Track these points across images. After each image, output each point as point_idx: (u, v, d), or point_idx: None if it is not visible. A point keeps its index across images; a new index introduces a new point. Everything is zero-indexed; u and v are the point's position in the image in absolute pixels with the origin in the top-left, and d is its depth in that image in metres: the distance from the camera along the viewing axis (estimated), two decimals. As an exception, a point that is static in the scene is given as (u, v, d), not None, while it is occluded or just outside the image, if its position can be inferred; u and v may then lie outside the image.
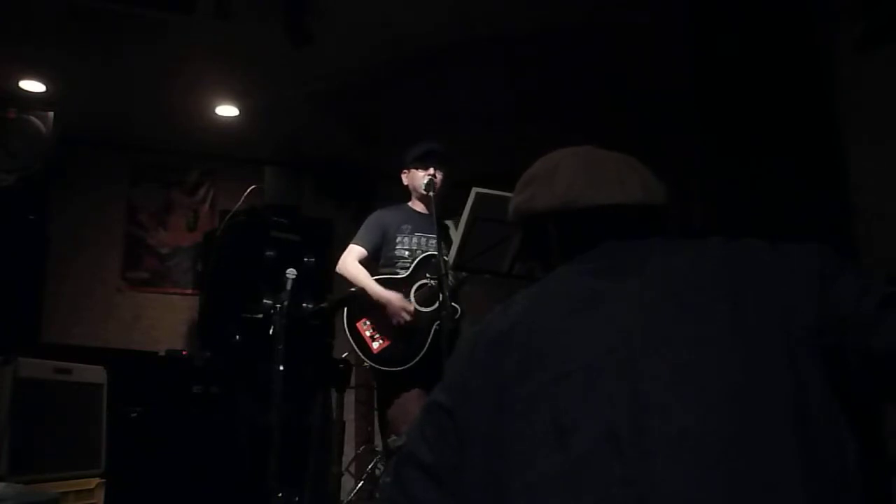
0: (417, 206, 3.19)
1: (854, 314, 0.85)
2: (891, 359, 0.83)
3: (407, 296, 3.00)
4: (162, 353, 4.15)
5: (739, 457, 0.79)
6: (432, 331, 2.91)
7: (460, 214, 2.49)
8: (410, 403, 2.81)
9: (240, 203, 4.39)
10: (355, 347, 3.01)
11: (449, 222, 3.07)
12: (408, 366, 2.89)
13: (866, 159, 2.85)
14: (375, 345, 2.97)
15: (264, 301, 2.96)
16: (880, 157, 2.80)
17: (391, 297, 2.96)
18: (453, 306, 2.90)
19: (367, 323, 3.01)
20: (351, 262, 3.10)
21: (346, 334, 3.04)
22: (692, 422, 0.81)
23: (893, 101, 2.75)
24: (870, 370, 0.85)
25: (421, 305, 2.97)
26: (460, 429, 0.94)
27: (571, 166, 1.07)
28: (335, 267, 3.20)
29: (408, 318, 2.93)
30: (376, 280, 3.06)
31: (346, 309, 3.06)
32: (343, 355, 3.89)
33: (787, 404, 0.81)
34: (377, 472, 4.24)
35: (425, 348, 2.90)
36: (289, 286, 2.90)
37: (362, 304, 3.01)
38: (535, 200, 1.08)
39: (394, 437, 2.74)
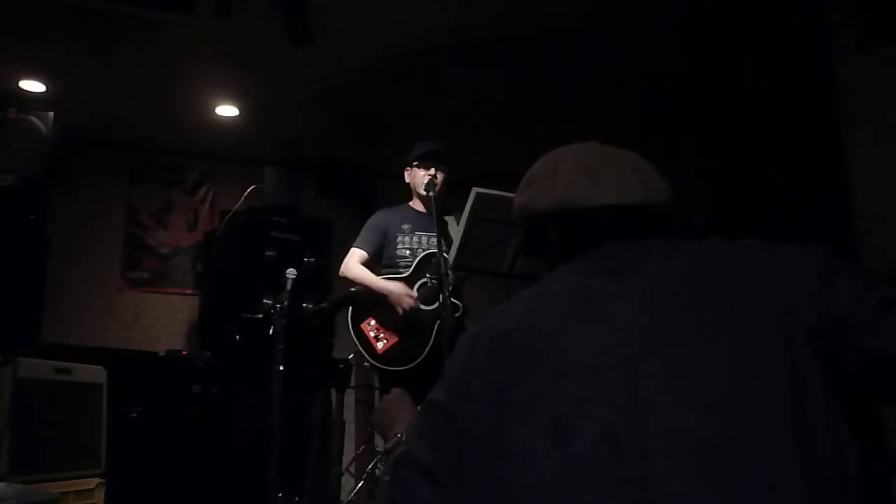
0: (417, 205, 3.20)
1: (853, 314, 0.85)
2: (890, 359, 0.83)
3: None
4: (162, 353, 4.14)
5: (739, 457, 0.79)
6: (435, 329, 2.92)
7: (461, 211, 2.50)
8: (393, 407, 2.82)
9: (240, 203, 4.40)
10: (360, 348, 3.02)
11: (449, 218, 3.08)
12: (412, 365, 2.90)
13: (867, 160, 2.84)
14: (380, 345, 2.99)
15: (264, 301, 2.96)
16: (881, 157, 2.80)
17: (392, 286, 2.98)
18: (455, 303, 2.91)
19: (371, 323, 3.02)
20: (353, 264, 3.13)
21: (350, 335, 3.05)
22: (691, 422, 0.81)
23: (893, 101, 2.75)
24: (869, 370, 0.85)
25: (423, 304, 2.98)
26: (460, 429, 0.94)
27: (571, 166, 1.07)
28: (336, 268, 3.22)
29: (411, 303, 2.95)
30: None
31: (350, 310, 3.07)
32: (349, 357, 3.89)
33: (787, 404, 0.81)
34: (377, 472, 4.24)
35: (429, 346, 2.91)
36: (289, 286, 2.90)
37: (366, 304, 3.03)
38: (536, 200, 1.08)
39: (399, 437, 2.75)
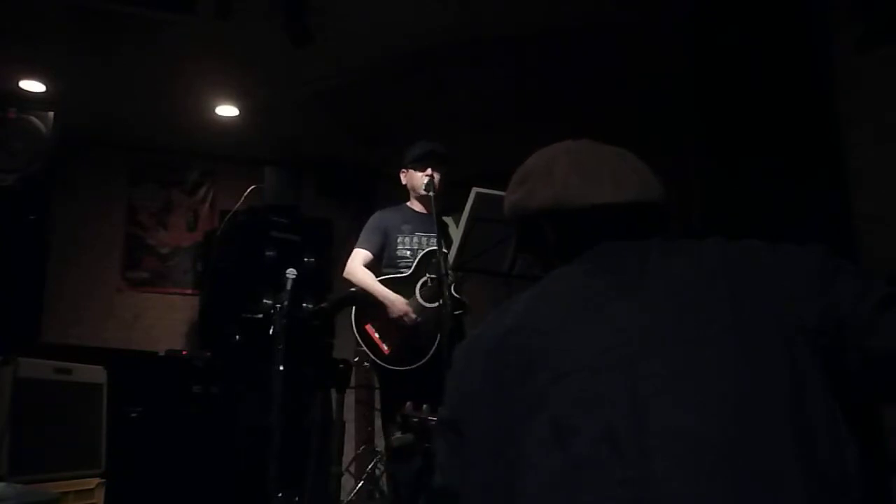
0: (416, 205, 3.20)
1: (853, 314, 0.85)
2: (890, 359, 0.83)
3: (412, 294, 3.02)
4: (162, 353, 4.14)
5: (739, 457, 0.79)
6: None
7: (460, 211, 2.50)
8: None
9: (240, 203, 4.40)
10: (365, 349, 3.02)
11: (448, 218, 3.08)
12: (418, 364, 2.90)
13: (867, 160, 2.84)
14: (385, 346, 2.99)
15: (264, 301, 2.96)
16: (881, 157, 2.80)
17: (395, 299, 2.98)
18: (457, 300, 2.92)
19: (376, 324, 3.02)
20: (357, 266, 3.13)
21: (354, 335, 3.05)
22: (692, 422, 0.81)
23: (893, 101, 2.75)
24: (869, 370, 0.85)
25: (427, 302, 2.98)
26: (463, 434, 0.94)
27: (566, 164, 1.06)
28: (337, 268, 3.22)
29: (409, 322, 2.96)
30: (381, 280, 3.09)
31: (353, 311, 3.07)
32: (354, 360, 3.89)
33: (787, 404, 0.81)
34: (377, 472, 4.24)
35: (434, 346, 2.91)
36: (289, 286, 2.90)
37: (370, 305, 3.03)
38: (531, 199, 1.07)
39: (398, 436, 2.74)
